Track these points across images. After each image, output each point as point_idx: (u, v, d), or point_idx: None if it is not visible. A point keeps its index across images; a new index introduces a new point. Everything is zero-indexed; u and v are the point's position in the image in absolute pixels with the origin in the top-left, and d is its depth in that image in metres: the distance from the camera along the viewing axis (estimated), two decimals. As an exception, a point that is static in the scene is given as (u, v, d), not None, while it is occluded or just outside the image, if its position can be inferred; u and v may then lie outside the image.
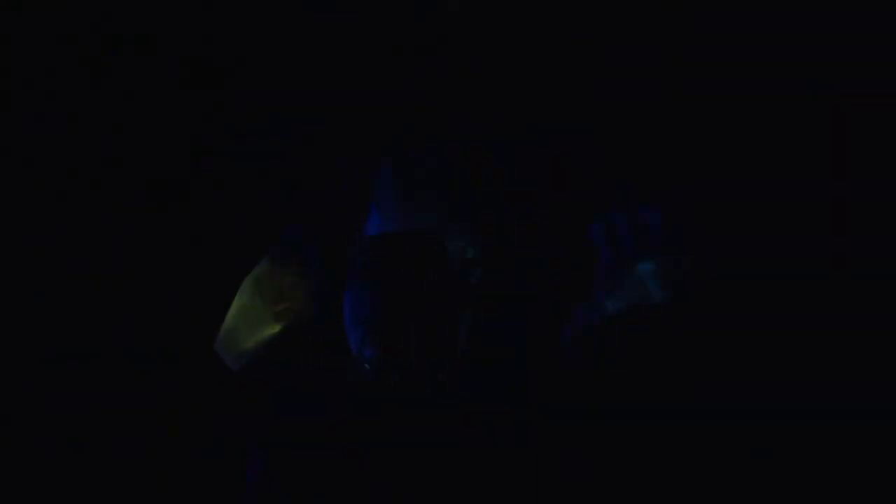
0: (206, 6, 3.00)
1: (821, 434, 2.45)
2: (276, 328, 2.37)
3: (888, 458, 2.38)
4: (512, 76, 2.99)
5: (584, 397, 2.48)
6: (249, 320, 2.38)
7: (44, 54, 2.97)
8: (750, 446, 2.41)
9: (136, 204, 2.96)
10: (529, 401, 2.41)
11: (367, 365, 2.23)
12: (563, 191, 2.82)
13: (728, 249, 2.77)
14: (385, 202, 2.30)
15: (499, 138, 2.76)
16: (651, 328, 2.42)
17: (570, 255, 2.58)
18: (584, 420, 2.41)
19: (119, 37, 2.98)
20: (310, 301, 2.36)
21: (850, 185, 2.79)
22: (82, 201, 2.96)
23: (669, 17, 2.93)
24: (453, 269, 2.28)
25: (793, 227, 2.79)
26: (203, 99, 3.02)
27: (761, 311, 2.71)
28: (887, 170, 2.80)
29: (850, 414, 2.48)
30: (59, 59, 2.97)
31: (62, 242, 2.90)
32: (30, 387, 2.72)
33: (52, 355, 2.81)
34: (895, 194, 2.78)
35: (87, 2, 2.97)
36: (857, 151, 2.82)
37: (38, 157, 2.99)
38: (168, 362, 2.75)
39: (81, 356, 2.81)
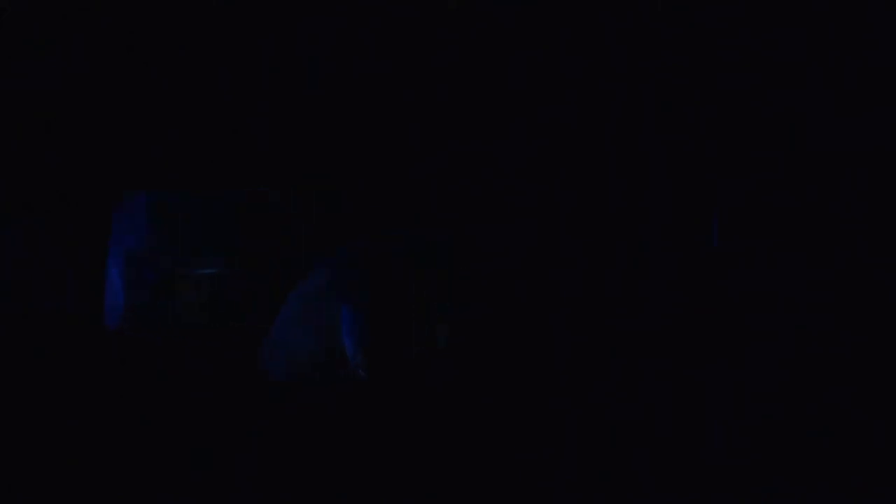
0: (206, 6, 3.01)
1: (821, 434, 2.45)
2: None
3: (888, 458, 2.38)
4: (511, 76, 2.99)
5: (581, 397, 2.49)
6: (293, 334, 2.46)
7: (43, 52, 2.97)
8: (749, 446, 2.41)
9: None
10: (524, 399, 2.42)
11: (360, 371, 2.41)
12: (564, 190, 2.83)
13: (728, 249, 2.77)
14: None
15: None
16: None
17: None
18: (582, 419, 2.42)
19: (119, 37, 2.99)
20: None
21: (850, 185, 2.79)
22: (82, 201, 2.96)
23: (669, 17, 2.93)
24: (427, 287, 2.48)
25: (793, 228, 2.79)
26: (203, 98, 3.02)
27: (761, 310, 2.71)
28: (887, 169, 2.80)
29: (850, 414, 2.49)
30: (58, 59, 2.98)
31: (62, 242, 2.90)
32: (30, 387, 2.72)
33: (52, 354, 2.81)
34: (895, 194, 2.78)
35: (87, 2, 2.98)
36: (857, 151, 2.82)
37: (38, 157, 3.00)
38: (168, 362, 2.75)
39: (81, 355, 2.81)
